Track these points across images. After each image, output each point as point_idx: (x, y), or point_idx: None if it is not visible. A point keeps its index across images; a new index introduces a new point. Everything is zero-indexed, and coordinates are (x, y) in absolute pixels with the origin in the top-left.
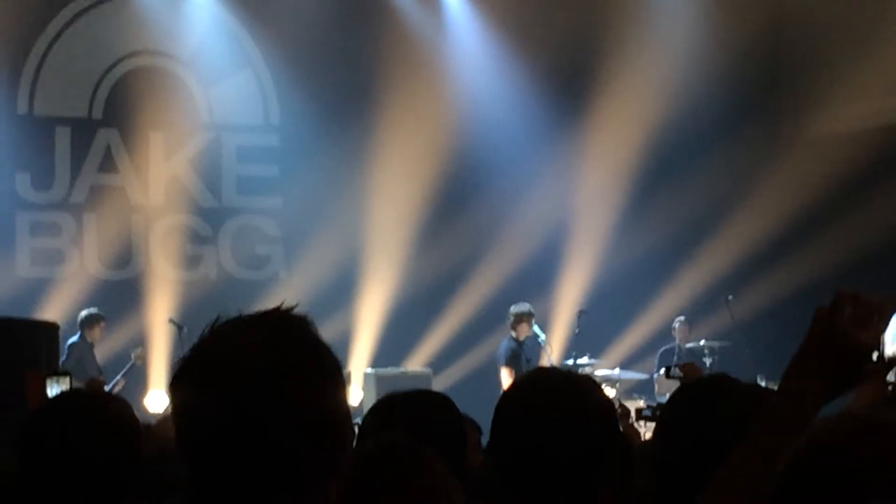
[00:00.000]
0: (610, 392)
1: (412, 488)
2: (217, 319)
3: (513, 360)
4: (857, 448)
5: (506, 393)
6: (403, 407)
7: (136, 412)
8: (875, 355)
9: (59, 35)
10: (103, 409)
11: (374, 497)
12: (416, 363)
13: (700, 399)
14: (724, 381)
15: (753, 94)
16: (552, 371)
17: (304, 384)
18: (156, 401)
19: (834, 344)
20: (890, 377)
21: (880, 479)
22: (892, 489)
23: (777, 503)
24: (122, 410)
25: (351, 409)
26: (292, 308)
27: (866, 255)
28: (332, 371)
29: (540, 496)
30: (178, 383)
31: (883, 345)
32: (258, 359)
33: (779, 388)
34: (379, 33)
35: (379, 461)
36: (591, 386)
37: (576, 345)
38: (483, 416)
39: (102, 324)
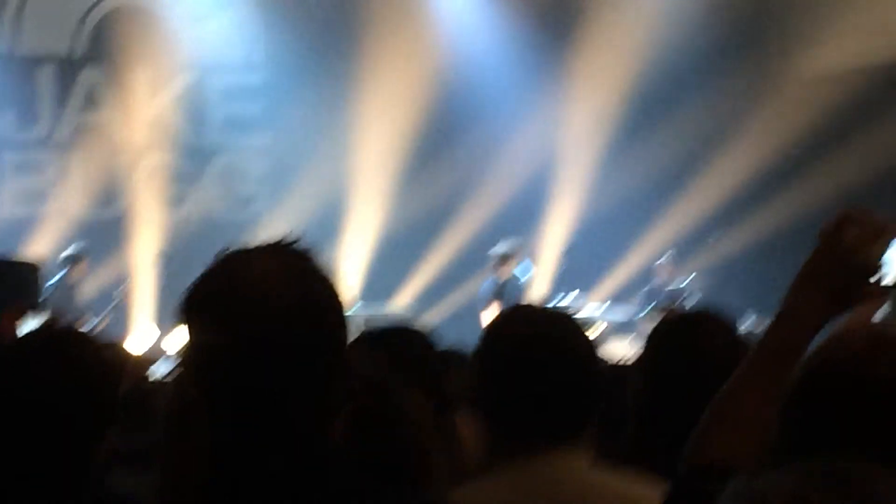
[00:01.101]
0: (597, 330)
1: (398, 420)
2: (226, 249)
3: (495, 300)
4: (870, 361)
5: (486, 328)
6: (380, 341)
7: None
8: (875, 277)
9: None
10: (76, 347)
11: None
12: (401, 300)
13: (675, 333)
14: (706, 315)
15: (740, 32)
16: (530, 308)
17: (331, 317)
18: (139, 340)
19: (840, 259)
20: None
21: (889, 394)
22: None
23: (787, 416)
24: (97, 351)
25: None
26: (297, 241)
27: (853, 194)
28: (341, 306)
29: (524, 432)
30: (198, 316)
31: (883, 267)
32: (286, 292)
33: (783, 302)
34: None
35: (369, 395)
36: (568, 321)
37: (563, 282)
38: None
39: (86, 261)
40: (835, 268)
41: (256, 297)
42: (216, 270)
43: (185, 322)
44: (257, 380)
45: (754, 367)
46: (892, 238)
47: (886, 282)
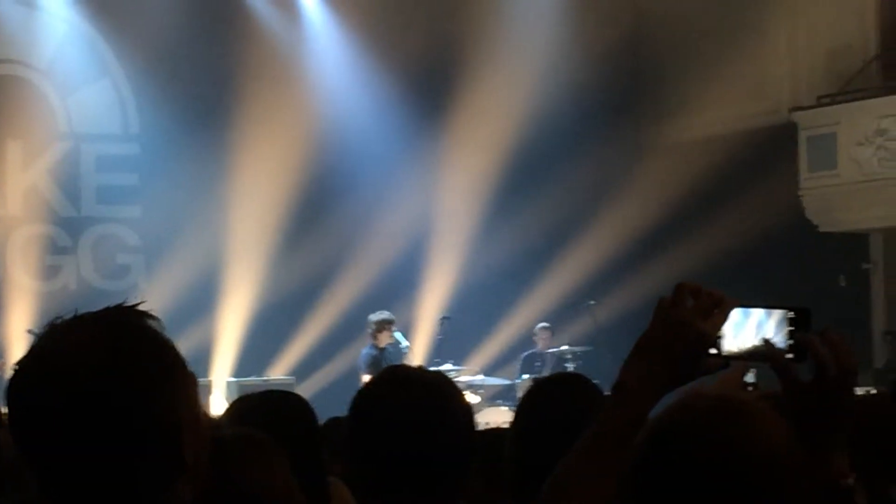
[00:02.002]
0: (474, 398)
1: (262, 479)
2: (56, 319)
3: (373, 368)
4: (708, 428)
5: (360, 392)
6: (257, 406)
7: None
8: (714, 350)
9: None
10: None
11: (228, 487)
12: (279, 371)
13: (552, 392)
14: (575, 377)
15: (614, 99)
16: (409, 369)
17: (141, 381)
18: None
19: (674, 332)
20: (749, 377)
21: (733, 459)
22: (744, 470)
23: (628, 487)
24: None
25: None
26: (134, 305)
27: (726, 258)
28: (172, 367)
29: (397, 496)
30: (13, 384)
31: (722, 339)
32: (93, 355)
33: (619, 375)
34: (238, 41)
35: (233, 451)
36: (446, 384)
37: (439, 351)
38: None
39: None
40: (672, 340)
41: (63, 364)
42: (37, 340)
43: (9, 390)
44: (68, 445)
45: (594, 438)
46: (729, 310)
47: (725, 353)
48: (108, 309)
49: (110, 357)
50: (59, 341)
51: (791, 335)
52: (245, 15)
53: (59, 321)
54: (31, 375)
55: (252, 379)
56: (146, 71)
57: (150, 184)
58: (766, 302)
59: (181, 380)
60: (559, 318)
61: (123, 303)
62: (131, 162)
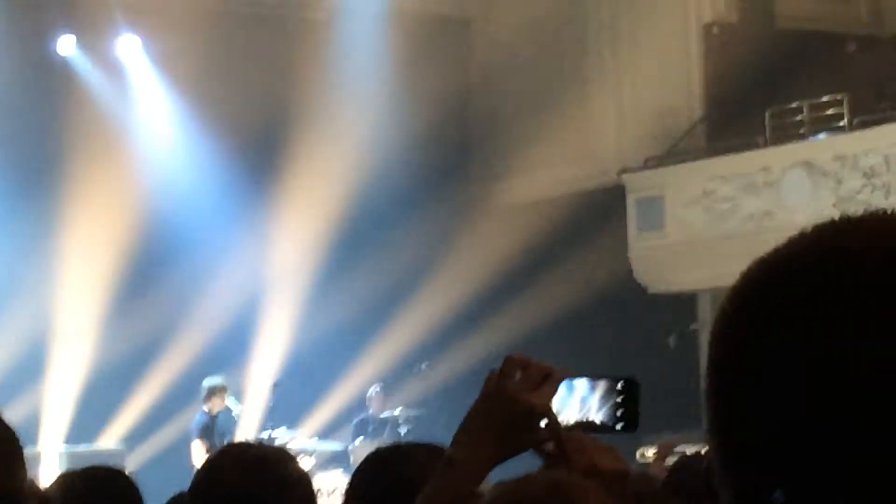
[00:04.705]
0: (307, 463)
1: None
2: None
3: (205, 435)
4: None
5: (199, 471)
6: (81, 487)
7: None
8: (544, 421)
9: None
10: None
11: None
12: (112, 436)
13: (384, 463)
14: (407, 446)
15: (445, 162)
16: (244, 446)
17: None
18: None
19: (502, 406)
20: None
21: None
22: None
23: None
24: None
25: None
26: None
27: (557, 319)
28: None
29: None
30: None
31: (552, 411)
32: None
33: (449, 449)
34: (64, 104)
35: None
36: (283, 456)
37: (271, 417)
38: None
39: None
40: (500, 413)
41: None
42: None
43: None
44: None
45: None
46: (558, 383)
47: (554, 425)
48: None
49: None
50: None
51: (617, 407)
52: (71, 78)
53: None
54: None
55: (83, 448)
56: None
57: None
58: (594, 368)
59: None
60: (393, 380)
61: None
62: None
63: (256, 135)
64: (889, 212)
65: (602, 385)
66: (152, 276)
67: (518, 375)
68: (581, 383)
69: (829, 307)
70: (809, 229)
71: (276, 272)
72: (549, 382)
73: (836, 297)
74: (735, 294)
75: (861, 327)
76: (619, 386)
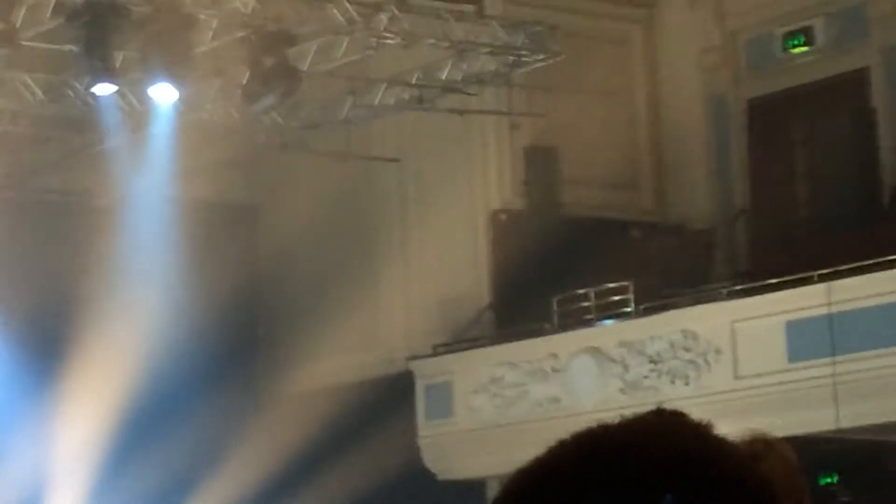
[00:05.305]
0: None
1: None
2: None
3: None
4: None
5: None
6: None
7: None
8: None
9: None
10: None
11: None
12: None
13: None
14: None
15: (232, 352)
16: None
17: None
18: None
19: None
20: None
21: None
22: None
23: None
24: None
25: None
26: None
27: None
28: None
29: None
30: None
31: None
32: None
33: None
34: None
35: None
36: None
37: None
38: None
39: None
40: None
41: None
42: None
43: None
44: None
45: None
46: None
47: None
48: None
49: None
50: None
51: None
52: None
53: None
54: None
55: None
56: None
57: None
58: None
59: None
60: None
61: None
62: None
63: (43, 320)
64: (642, 420)
65: None
66: None
67: None
68: None
69: None
70: (568, 439)
71: (62, 461)
72: None
73: None
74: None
75: None
76: None
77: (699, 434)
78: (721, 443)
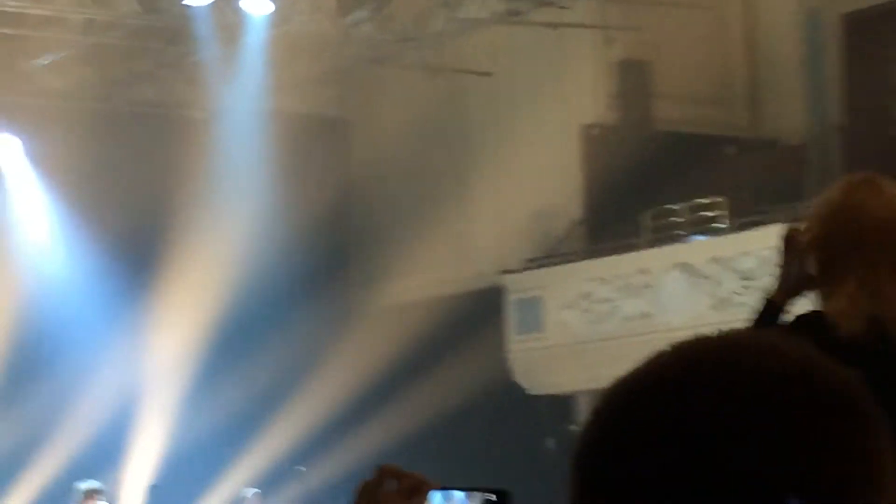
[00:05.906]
0: None
1: None
2: None
3: None
4: None
5: None
6: None
7: None
8: None
9: None
10: None
11: None
12: None
13: None
14: None
15: (324, 263)
16: None
17: None
18: None
19: None
20: None
21: None
22: None
23: None
24: None
25: None
26: None
27: (436, 421)
28: None
29: None
30: None
31: None
32: None
33: None
34: None
35: None
36: None
37: None
38: None
39: None
40: None
41: None
42: None
43: None
44: None
45: None
46: (428, 493)
47: None
48: None
49: None
50: None
51: None
52: None
53: None
54: None
55: None
56: None
57: None
58: (471, 471)
59: None
60: (271, 483)
61: None
62: None
63: (135, 234)
64: (740, 335)
65: (476, 497)
66: (28, 377)
67: (393, 485)
68: (455, 494)
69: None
70: (668, 350)
71: (153, 374)
72: (420, 493)
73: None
74: (593, 413)
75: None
76: (493, 498)
77: (803, 352)
78: (823, 361)
